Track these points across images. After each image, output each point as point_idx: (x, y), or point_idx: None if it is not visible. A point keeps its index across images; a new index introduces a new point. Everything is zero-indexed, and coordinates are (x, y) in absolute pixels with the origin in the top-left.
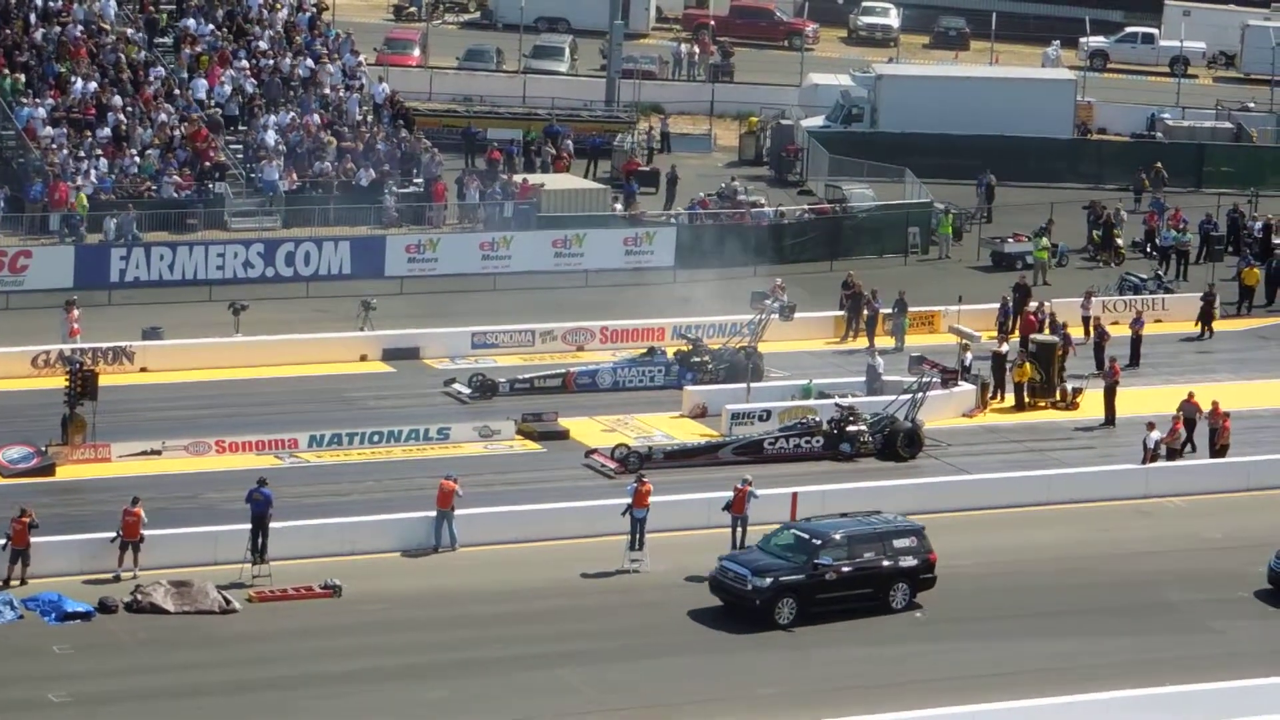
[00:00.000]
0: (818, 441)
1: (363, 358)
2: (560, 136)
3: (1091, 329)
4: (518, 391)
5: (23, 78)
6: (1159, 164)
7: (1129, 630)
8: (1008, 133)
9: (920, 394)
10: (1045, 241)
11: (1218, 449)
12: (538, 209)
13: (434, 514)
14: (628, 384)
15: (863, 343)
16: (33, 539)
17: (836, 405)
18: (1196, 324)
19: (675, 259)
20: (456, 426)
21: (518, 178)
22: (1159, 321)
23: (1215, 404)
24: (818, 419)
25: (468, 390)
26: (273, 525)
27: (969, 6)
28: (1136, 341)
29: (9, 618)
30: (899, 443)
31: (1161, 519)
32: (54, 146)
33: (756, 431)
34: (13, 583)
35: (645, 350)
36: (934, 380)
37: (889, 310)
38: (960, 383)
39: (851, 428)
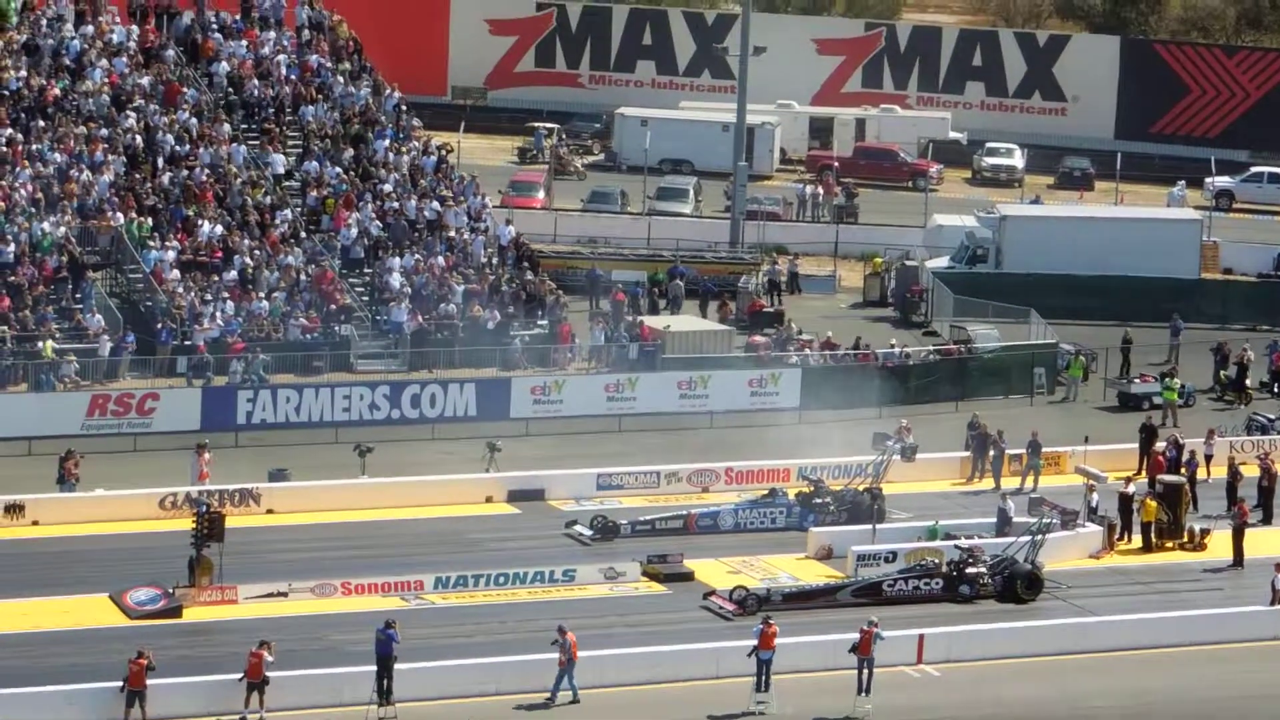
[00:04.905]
0: (937, 583)
1: (488, 499)
2: (686, 277)
3: (1212, 468)
4: (639, 533)
5: (149, 221)
6: None
7: None
8: (1133, 273)
9: (1040, 535)
10: (1174, 383)
11: None
12: (662, 350)
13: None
14: (749, 525)
15: (989, 484)
16: (150, 681)
17: (956, 547)
18: None
19: (800, 400)
20: (582, 568)
21: (641, 319)
22: None
23: None
24: (938, 561)
25: (589, 532)
26: (398, 666)
27: (1093, 147)
28: (1269, 494)
29: None
30: (1019, 585)
31: None
32: (181, 290)
33: (880, 573)
34: None
35: (766, 492)
36: (1054, 522)
37: (1017, 451)
38: (1086, 524)
39: (971, 569)
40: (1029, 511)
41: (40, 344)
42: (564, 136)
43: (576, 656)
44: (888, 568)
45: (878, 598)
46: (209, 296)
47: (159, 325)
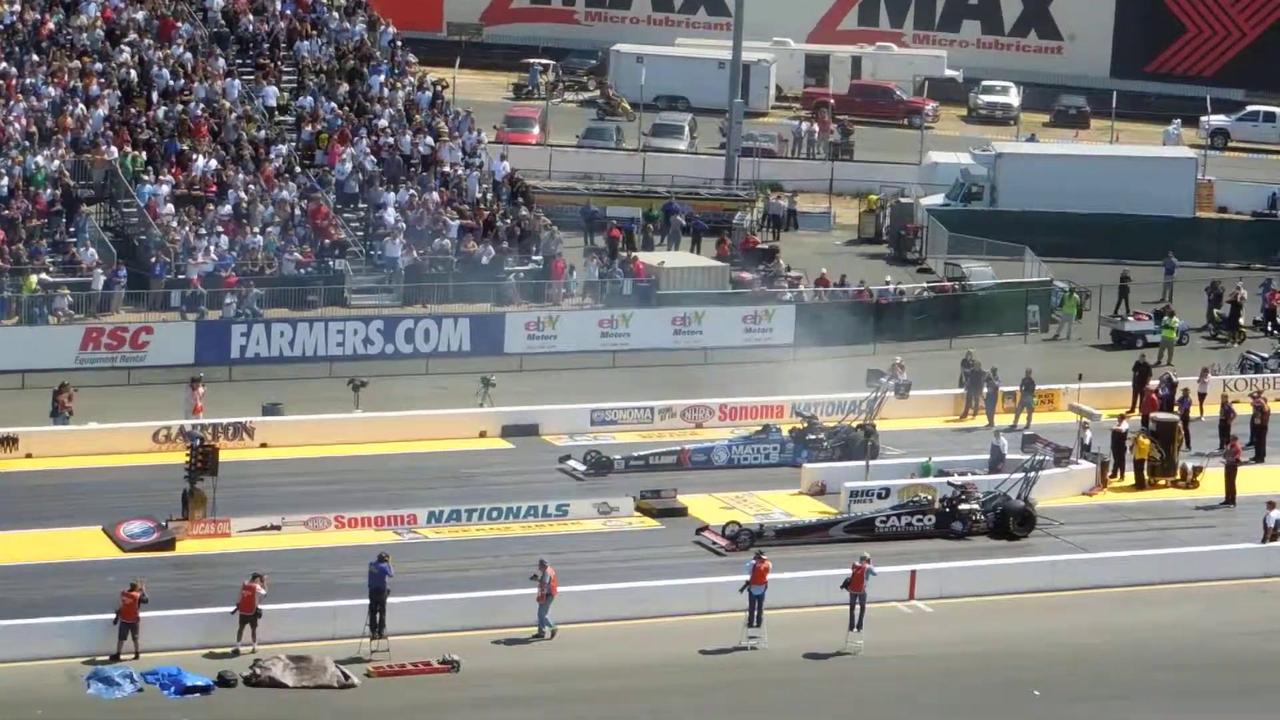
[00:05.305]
0: (929, 520)
1: (482, 434)
2: (681, 213)
3: (1205, 406)
4: (633, 469)
5: (144, 155)
6: None
7: (1250, 710)
8: (1128, 211)
9: (1033, 473)
10: (1174, 321)
11: None
12: (657, 286)
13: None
14: (742, 461)
15: (982, 421)
16: (143, 613)
17: (949, 484)
18: None
19: (794, 336)
20: (575, 503)
21: (635, 255)
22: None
23: None
24: (930, 498)
25: (582, 467)
26: (391, 600)
27: (1089, 85)
28: (1262, 432)
29: (128, 691)
30: (1012, 522)
31: None
32: (175, 224)
33: (873, 510)
34: (124, 657)
35: (760, 428)
36: (1047, 459)
37: (1011, 389)
38: (1079, 461)
39: (964, 506)
40: (1022, 449)
41: (33, 278)
42: (560, 73)
43: (555, 592)
44: (881, 504)
45: (870, 534)
46: (203, 231)
47: (153, 259)
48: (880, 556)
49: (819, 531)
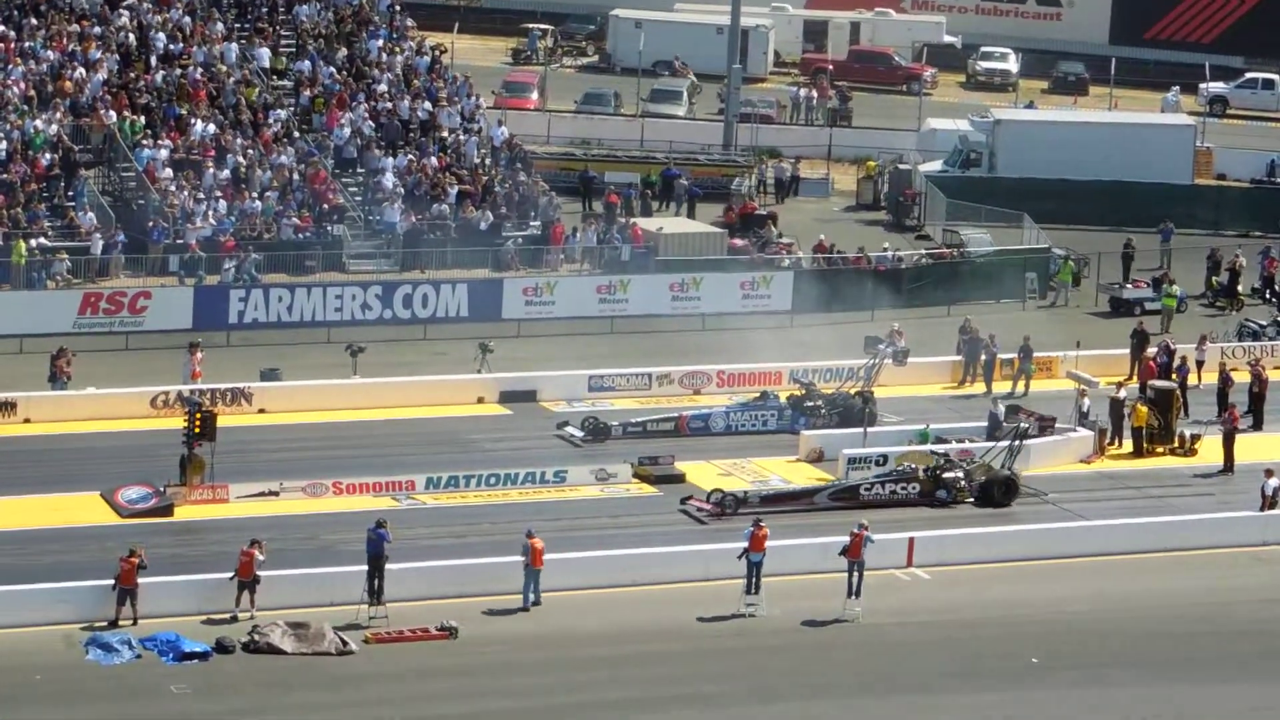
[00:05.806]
0: (914, 488)
1: (480, 400)
2: (680, 179)
3: (1203, 374)
4: (630, 435)
5: (142, 119)
6: None
7: (1243, 678)
8: (1126, 178)
9: (1017, 442)
10: (1174, 289)
11: None
12: (655, 252)
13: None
14: (740, 428)
15: (980, 388)
16: (141, 580)
17: (932, 452)
18: None
19: (793, 303)
20: (573, 469)
21: (633, 221)
22: (1278, 369)
23: None
24: (915, 465)
25: (580, 433)
26: (389, 567)
27: (1088, 52)
28: (1260, 400)
29: (127, 657)
30: (996, 490)
31: (1278, 567)
32: (173, 188)
33: (858, 477)
34: (123, 622)
35: (758, 395)
36: (1030, 429)
37: (1009, 356)
38: (1077, 429)
39: (948, 474)
40: (1004, 419)
41: (30, 242)
42: (559, 38)
43: (540, 563)
44: (866, 472)
45: (856, 501)
46: (201, 195)
47: (151, 224)
48: (878, 524)
49: (804, 498)
